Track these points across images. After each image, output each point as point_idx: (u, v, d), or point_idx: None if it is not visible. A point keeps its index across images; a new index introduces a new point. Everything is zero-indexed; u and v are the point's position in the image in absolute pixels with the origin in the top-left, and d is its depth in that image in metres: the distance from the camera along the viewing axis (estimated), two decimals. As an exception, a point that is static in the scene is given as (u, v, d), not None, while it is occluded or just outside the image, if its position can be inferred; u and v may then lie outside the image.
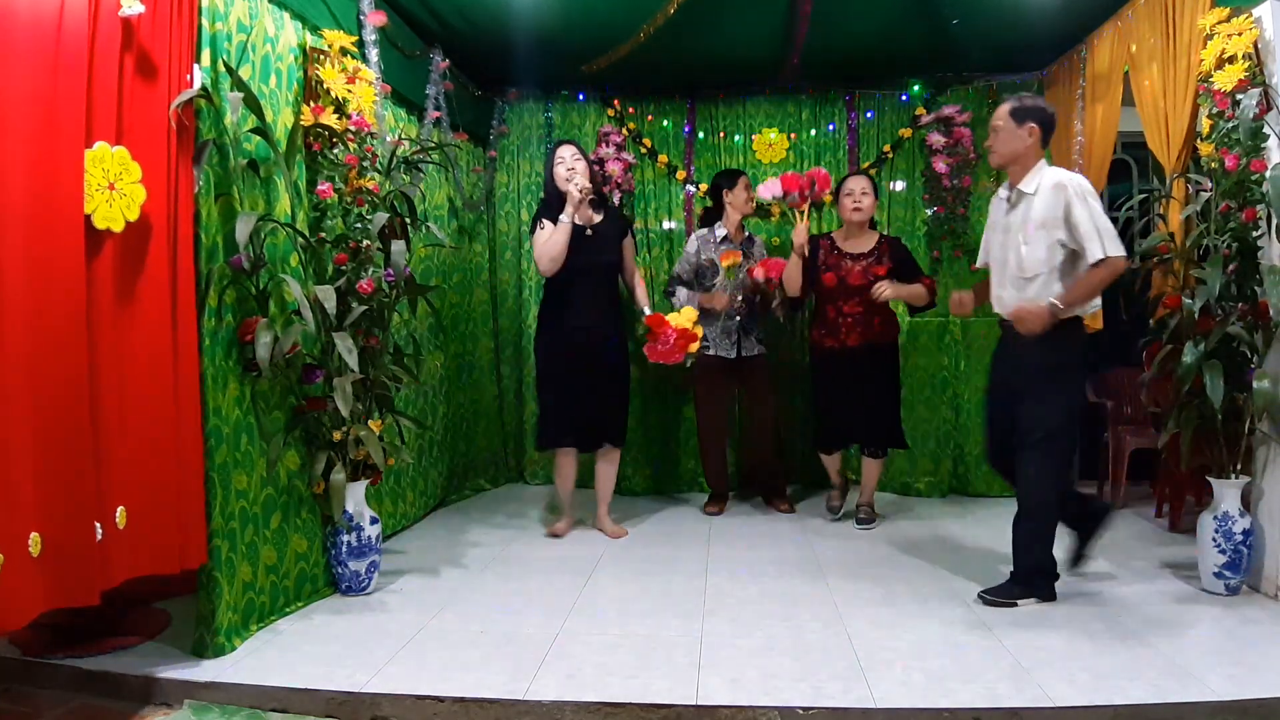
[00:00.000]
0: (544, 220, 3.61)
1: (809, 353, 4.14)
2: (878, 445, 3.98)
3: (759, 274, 4.07)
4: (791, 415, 4.76)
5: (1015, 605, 2.87)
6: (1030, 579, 2.92)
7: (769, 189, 4.06)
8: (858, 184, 3.90)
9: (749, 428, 4.44)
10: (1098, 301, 2.90)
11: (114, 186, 2.12)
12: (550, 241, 3.53)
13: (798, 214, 3.97)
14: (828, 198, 4.19)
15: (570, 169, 3.57)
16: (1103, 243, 2.67)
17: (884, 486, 4.66)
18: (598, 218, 3.71)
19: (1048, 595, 2.92)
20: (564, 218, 3.52)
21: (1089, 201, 2.71)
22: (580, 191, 3.50)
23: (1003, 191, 2.97)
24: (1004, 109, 2.87)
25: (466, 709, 2.22)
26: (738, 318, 4.14)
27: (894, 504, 4.40)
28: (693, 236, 4.30)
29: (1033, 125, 2.81)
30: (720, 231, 4.19)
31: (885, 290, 3.69)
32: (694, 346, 3.75)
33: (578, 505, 3.97)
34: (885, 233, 4.23)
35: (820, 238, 4.04)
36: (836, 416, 3.99)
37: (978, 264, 3.20)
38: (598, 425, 3.73)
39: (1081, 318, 2.84)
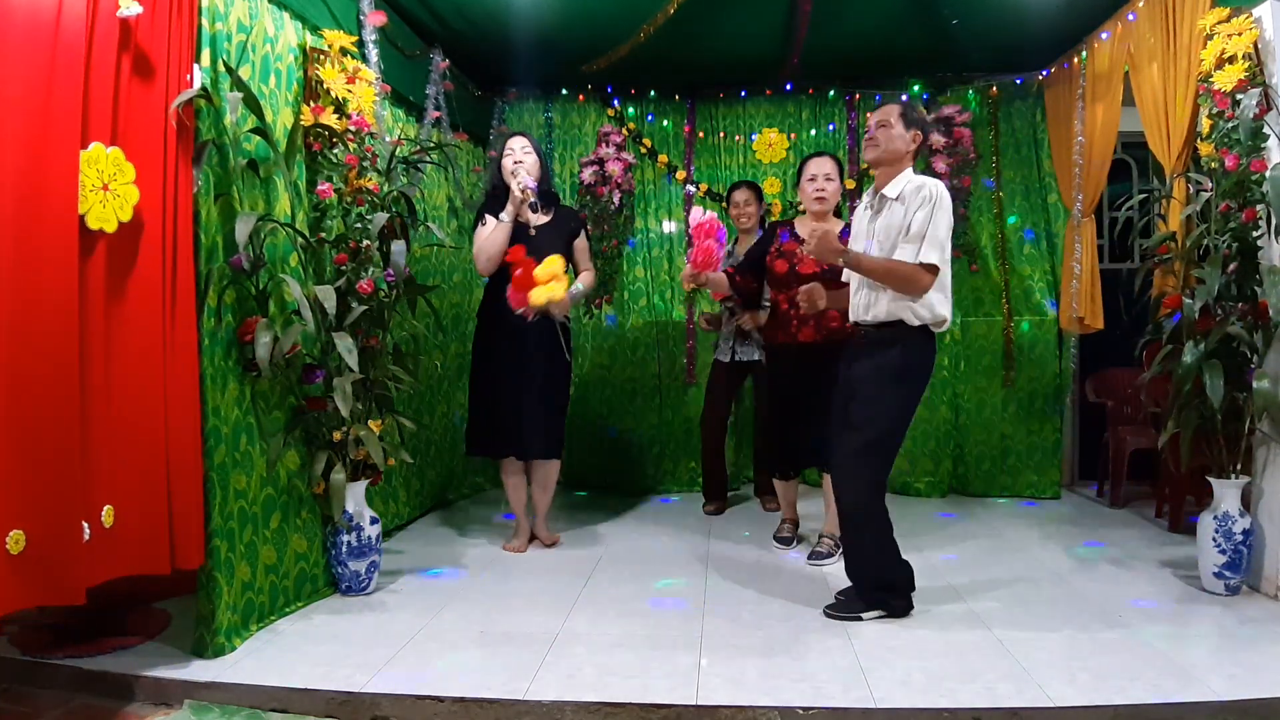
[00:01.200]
0: (486, 216, 3.42)
1: (761, 351, 3.91)
2: (827, 466, 3.32)
3: (688, 284, 3.37)
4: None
5: (860, 619, 2.73)
6: (873, 592, 2.76)
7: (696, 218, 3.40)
8: (821, 166, 3.43)
9: (756, 428, 4.44)
10: (942, 314, 2.70)
11: (108, 187, 2.11)
12: (488, 239, 3.35)
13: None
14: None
15: (518, 161, 3.38)
16: (922, 248, 2.61)
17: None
18: (544, 218, 3.47)
19: (900, 610, 2.75)
20: (504, 215, 3.35)
21: (936, 211, 2.63)
22: (521, 192, 3.30)
23: (866, 198, 2.89)
24: (894, 109, 2.77)
25: (466, 709, 2.22)
26: (735, 324, 4.14)
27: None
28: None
29: (917, 132, 2.77)
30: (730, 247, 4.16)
31: (815, 298, 2.91)
32: (539, 299, 3.14)
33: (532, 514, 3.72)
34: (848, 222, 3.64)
35: (779, 224, 3.60)
36: (783, 428, 3.53)
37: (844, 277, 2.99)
38: (528, 436, 3.45)
39: (931, 330, 2.73)
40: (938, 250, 2.63)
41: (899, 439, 2.81)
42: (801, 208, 3.60)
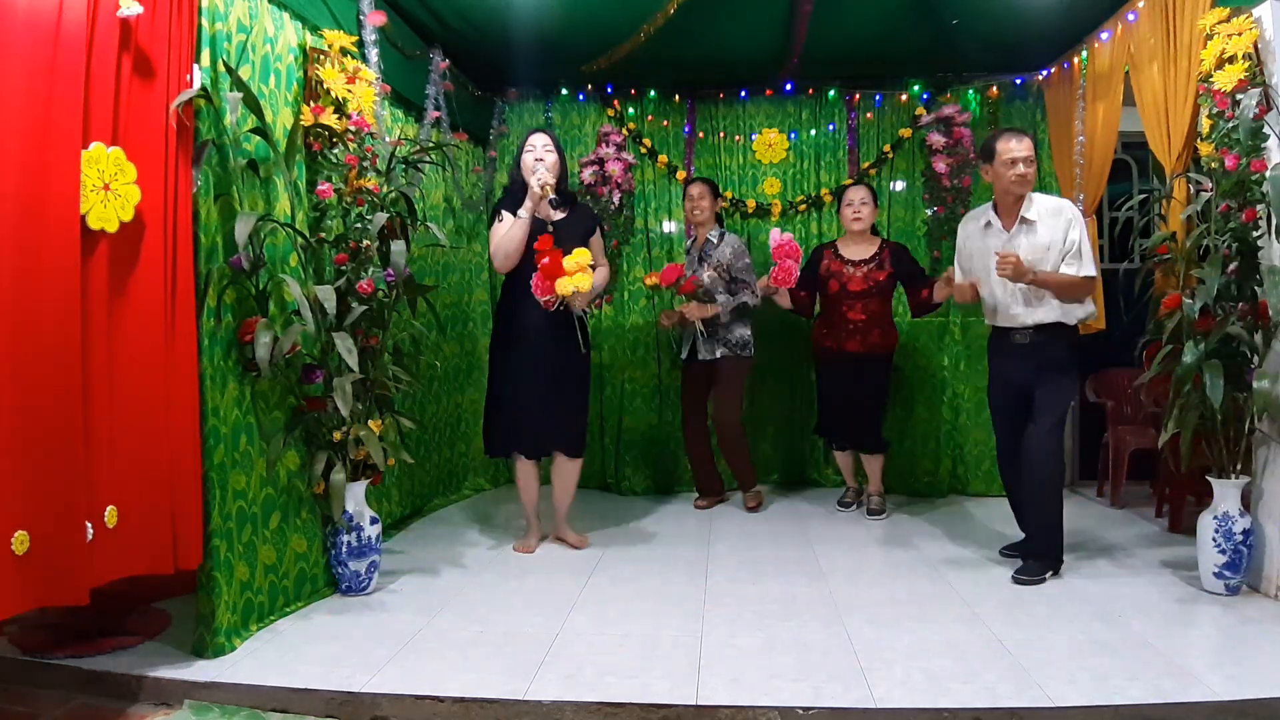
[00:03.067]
0: (503, 212, 3.38)
1: (812, 351, 4.33)
2: (862, 447, 4.21)
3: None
4: (787, 412, 4.86)
5: (1044, 580, 3.11)
6: (1054, 554, 3.17)
7: (654, 277, 4.14)
8: (857, 194, 4.07)
9: (715, 428, 4.38)
10: (1092, 309, 3.17)
11: (109, 187, 2.12)
12: (506, 236, 3.32)
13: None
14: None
15: (538, 159, 3.36)
16: (1085, 262, 3.08)
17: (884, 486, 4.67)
18: (560, 214, 3.47)
19: (1059, 567, 3.20)
20: (522, 212, 3.30)
21: (1081, 227, 3.11)
22: (540, 187, 3.25)
23: (991, 218, 3.24)
24: (1031, 142, 3.16)
25: (466, 709, 2.22)
26: (693, 328, 4.21)
27: (894, 504, 4.39)
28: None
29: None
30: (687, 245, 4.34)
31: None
32: (565, 288, 3.18)
33: (546, 514, 3.73)
34: (886, 238, 4.31)
35: (824, 246, 4.25)
36: (831, 414, 4.24)
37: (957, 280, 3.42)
38: (548, 432, 3.47)
39: (1076, 327, 3.19)
40: (1092, 264, 3.11)
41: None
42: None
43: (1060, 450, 3.23)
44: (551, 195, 3.29)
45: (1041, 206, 3.14)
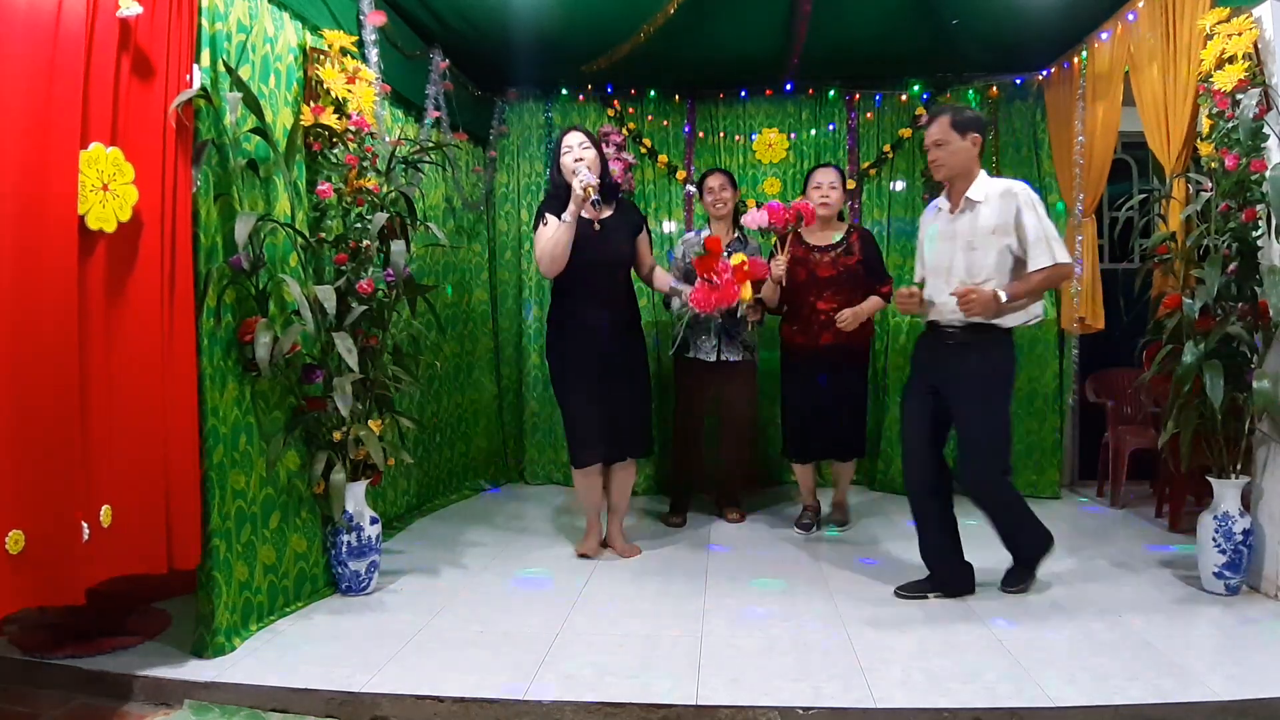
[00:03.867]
0: (548, 215, 3.23)
1: (780, 349, 3.98)
2: (844, 454, 3.94)
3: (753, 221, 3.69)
4: (773, 419, 4.76)
5: (1026, 590, 3.00)
6: (1030, 565, 3.03)
7: (754, 219, 3.65)
8: (826, 176, 3.79)
9: (722, 433, 4.18)
10: (1038, 310, 2.86)
11: (107, 187, 2.12)
12: (551, 240, 3.18)
13: (781, 245, 3.67)
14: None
15: (578, 159, 3.22)
16: (1050, 249, 2.74)
17: (884, 486, 4.67)
18: (607, 212, 3.33)
19: (1035, 575, 3.07)
20: (566, 215, 3.16)
21: (1037, 209, 2.78)
22: (583, 189, 3.10)
23: (941, 202, 3.00)
24: (944, 122, 2.86)
25: (466, 709, 2.22)
26: (719, 320, 3.90)
27: (894, 504, 4.39)
28: (680, 240, 4.24)
29: (975, 135, 2.85)
30: (704, 233, 3.98)
31: (847, 320, 3.55)
32: (747, 293, 3.25)
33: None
34: (856, 224, 4.00)
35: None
36: (803, 421, 3.83)
37: (916, 277, 3.13)
38: (624, 436, 3.40)
39: (1013, 331, 2.88)
40: (1061, 245, 2.77)
41: (1010, 439, 3.06)
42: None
43: (1006, 485, 2.97)
44: (595, 196, 3.11)
45: (990, 187, 2.85)
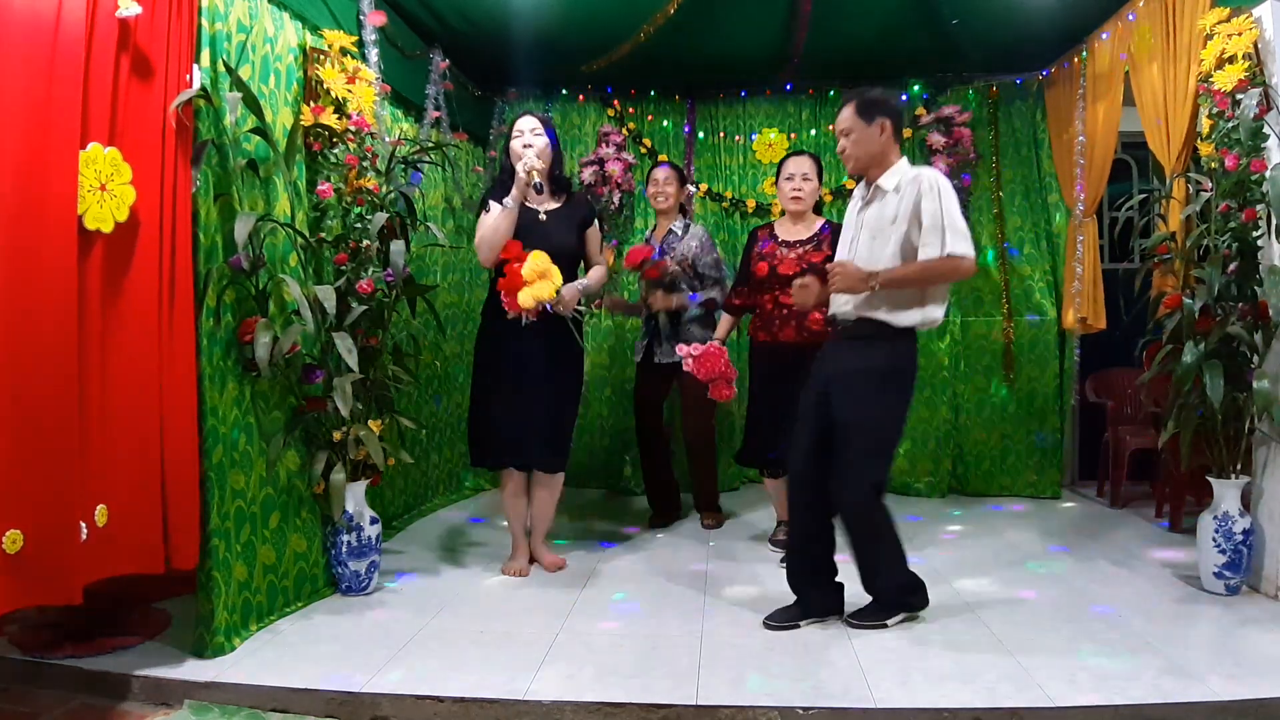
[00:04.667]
0: (490, 202, 3.12)
1: (748, 350, 3.75)
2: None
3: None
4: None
5: (886, 626, 2.67)
6: (892, 597, 2.70)
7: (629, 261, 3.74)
8: (799, 166, 3.48)
9: (685, 439, 4.05)
10: (937, 315, 2.63)
11: (105, 187, 2.12)
12: (490, 227, 3.06)
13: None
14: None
15: (526, 144, 3.10)
16: (944, 238, 2.49)
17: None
18: (555, 203, 3.22)
19: (919, 604, 2.73)
20: (508, 201, 3.05)
21: (941, 197, 2.53)
22: (527, 173, 3.00)
23: (859, 190, 2.79)
24: (848, 110, 2.66)
25: (466, 709, 2.22)
26: (652, 322, 3.88)
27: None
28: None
29: (883, 120, 2.64)
30: (648, 235, 3.96)
31: (809, 294, 2.75)
32: (526, 301, 2.97)
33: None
34: (828, 220, 3.64)
35: (760, 228, 3.67)
36: (765, 426, 3.50)
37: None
38: (531, 444, 3.18)
39: (915, 331, 2.64)
40: (962, 237, 2.51)
41: (893, 448, 2.73)
42: (779, 208, 3.65)
43: (875, 503, 2.63)
44: (537, 180, 3.01)
45: (902, 176, 2.62)
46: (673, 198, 3.90)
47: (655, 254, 3.79)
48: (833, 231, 3.45)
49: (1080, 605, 2.87)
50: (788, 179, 3.49)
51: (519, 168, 3.05)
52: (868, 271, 2.55)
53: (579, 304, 3.19)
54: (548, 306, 3.05)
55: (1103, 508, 4.33)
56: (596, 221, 3.39)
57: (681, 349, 3.48)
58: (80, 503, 2.06)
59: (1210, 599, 2.94)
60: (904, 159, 2.71)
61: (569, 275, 3.19)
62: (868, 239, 2.67)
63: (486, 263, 3.16)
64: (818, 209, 3.62)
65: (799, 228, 3.52)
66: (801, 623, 2.71)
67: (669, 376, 3.91)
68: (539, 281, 2.99)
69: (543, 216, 3.19)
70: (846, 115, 2.67)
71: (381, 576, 3.11)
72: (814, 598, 2.74)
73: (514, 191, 3.07)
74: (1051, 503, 4.45)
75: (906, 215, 2.57)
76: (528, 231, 3.11)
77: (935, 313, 2.62)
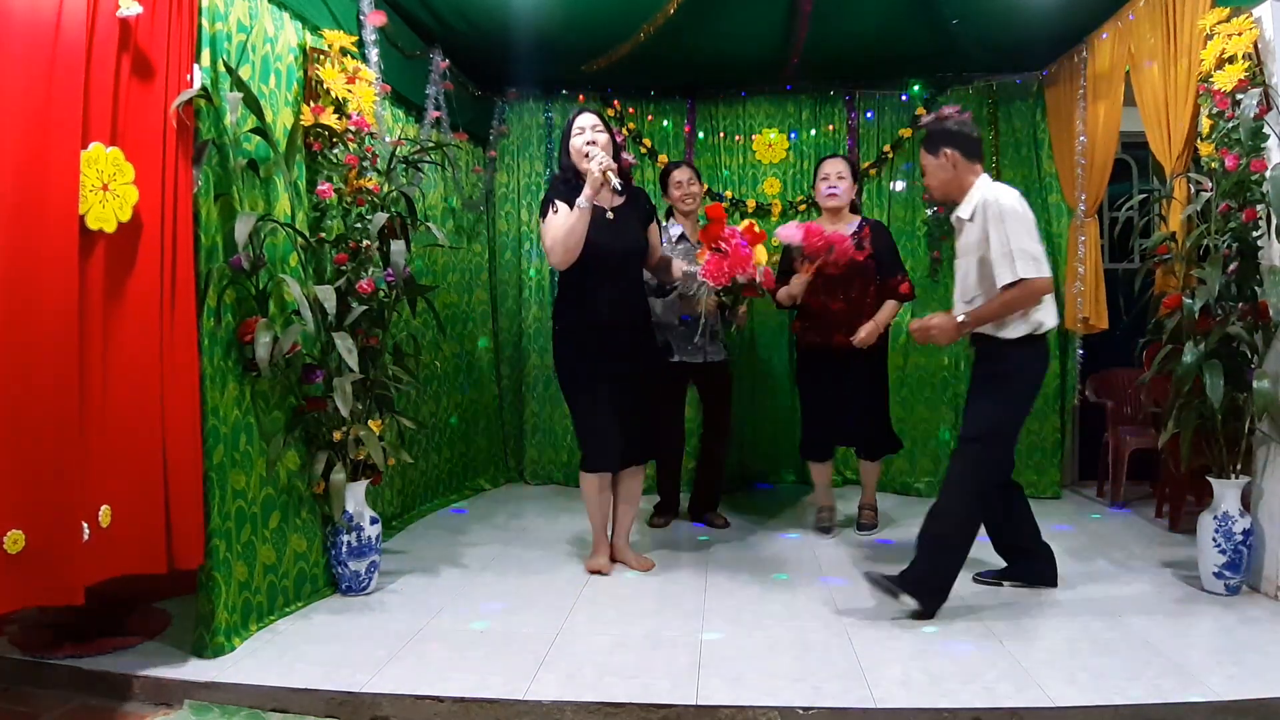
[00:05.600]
0: (557, 202, 3.02)
1: (794, 348, 3.99)
2: (871, 451, 3.83)
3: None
4: (772, 417, 4.82)
5: (895, 597, 2.76)
6: (918, 583, 2.76)
7: (788, 234, 3.58)
8: (834, 167, 3.70)
9: (704, 435, 4.08)
10: (1045, 319, 2.76)
11: (107, 187, 2.12)
12: (566, 229, 2.97)
13: (804, 268, 3.57)
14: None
15: (590, 142, 3.02)
16: (1014, 265, 2.64)
17: (883, 486, 4.65)
18: (619, 199, 3.14)
19: (929, 611, 2.75)
20: (581, 201, 2.96)
21: (1006, 223, 2.66)
22: (601, 170, 2.93)
23: (954, 217, 2.94)
24: (922, 150, 2.91)
25: (466, 709, 2.22)
26: (706, 321, 3.76)
27: (894, 504, 4.39)
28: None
29: (946, 150, 2.80)
30: (675, 230, 3.89)
31: (864, 337, 3.45)
32: (762, 256, 3.04)
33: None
34: (867, 217, 3.88)
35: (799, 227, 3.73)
36: (823, 419, 3.77)
37: None
38: (638, 441, 3.22)
39: (1035, 336, 2.77)
40: (1029, 260, 2.64)
41: (1005, 447, 2.90)
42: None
43: (968, 499, 2.80)
44: (616, 180, 2.95)
45: (976, 202, 2.79)
46: (698, 197, 3.91)
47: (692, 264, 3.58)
48: (873, 230, 3.70)
49: (1080, 605, 2.87)
50: (823, 179, 3.71)
51: (593, 167, 2.96)
52: (956, 322, 2.79)
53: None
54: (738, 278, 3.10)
55: (1103, 508, 4.33)
56: (656, 216, 3.35)
57: (782, 230, 3.60)
58: (82, 503, 2.06)
59: (1210, 599, 2.94)
60: (981, 180, 2.84)
61: (639, 273, 3.28)
62: (960, 269, 2.90)
63: (561, 265, 3.06)
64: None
65: (839, 226, 3.69)
66: (1004, 582, 3.04)
67: (686, 377, 3.91)
68: (760, 246, 3.01)
69: (610, 214, 3.12)
70: (921, 155, 2.92)
71: (381, 576, 3.11)
72: (1021, 565, 3.04)
73: (587, 190, 2.97)
74: (1052, 503, 4.45)
75: (980, 243, 2.75)
76: (599, 230, 3.04)
77: (1042, 318, 2.77)
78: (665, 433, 3.40)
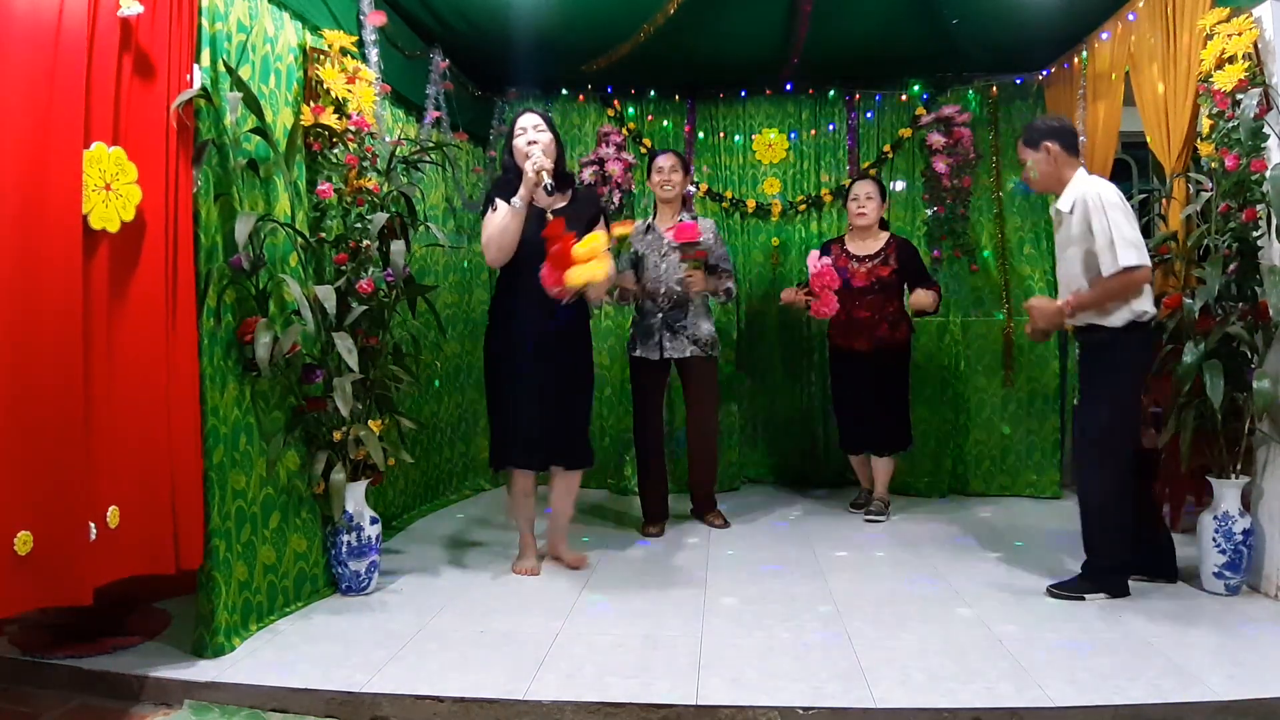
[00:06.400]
0: (497, 200, 3.06)
1: (828, 350, 4.31)
2: (879, 447, 4.12)
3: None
4: (781, 419, 4.85)
5: (1083, 599, 2.90)
6: (1097, 575, 2.94)
7: (811, 261, 3.86)
8: (863, 188, 4.05)
9: (688, 437, 4.07)
10: (1145, 307, 2.82)
11: (110, 187, 2.12)
12: (499, 227, 3.02)
13: (799, 293, 3.93)
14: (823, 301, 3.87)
15: (531, 141, 3.05)
16: (1115, 254, 2.72)
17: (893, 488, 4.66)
18: (561, 201, 3.16)
19: (1118, 591, 2.91)
20: (515, 200, 3.01)
21: (1108, 213, 2.76)
22: (535, 172, 2.96)
23: (1053, 209, 3.05)
24: (1020, 145, 3.02)
25: (466, 709, 2.22)
26: (659, 315, 3.80)
27: (894, 504, 4.38)
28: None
29: (1048, 144, 2.91)
30: (649, 220, 3.96)
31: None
32: (578, 279, 2.84)
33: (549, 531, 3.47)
34: (894, 234, 4.17)
35: (832, 242, 4.21)
36: (848, 418, 4.18)
37: None
38: (556, 445, 3.19)
39: (1139, 323, 2.83)
40: (1131, 249, 2.72)
41: (1129, 434, 2.96)
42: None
43: (1102, 474, 2.91)
44: (548, 181, 2.97)
45: (1076, 195, 2.88)
46: (678, 185, 3.87)
47: (659, 256, 3.83)
48: (899, 246, 4.00)
49: (1080, 605, 2.87)
50: (853, 200, 4.07)
51: (527, 167, 3.00)
52: (1057, 307, 2.94)
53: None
54: (587, 293, 2.98)
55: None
56: (604, 218, 3.30)
57: (813, 258, 3.87)
58: (89, 504, 2.06)
59: (1210, 599, 2.94)
60: (1079, 173, 2.93)
61: None
62: (1063, 261, 2.99)
63: (495, 262, 3.13)
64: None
65: (868, 242, 4.08)
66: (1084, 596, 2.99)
67: (667, 370, 3.93)
68: (594, 261, 2.88)
69: (549, 216, 3.10)
70: (1020, 150, 3.02)
71: (381, 576, 3.11)
72: (1140, 559, 3.03)
73: (522, 190, 3.02)
74: (1052, 503, 4.45)
75: (1083, 234, 2.83)
76: (536, 230, 3.01)
77: (1143, 305, 2.83)
78: (583, 440, 3.28)
